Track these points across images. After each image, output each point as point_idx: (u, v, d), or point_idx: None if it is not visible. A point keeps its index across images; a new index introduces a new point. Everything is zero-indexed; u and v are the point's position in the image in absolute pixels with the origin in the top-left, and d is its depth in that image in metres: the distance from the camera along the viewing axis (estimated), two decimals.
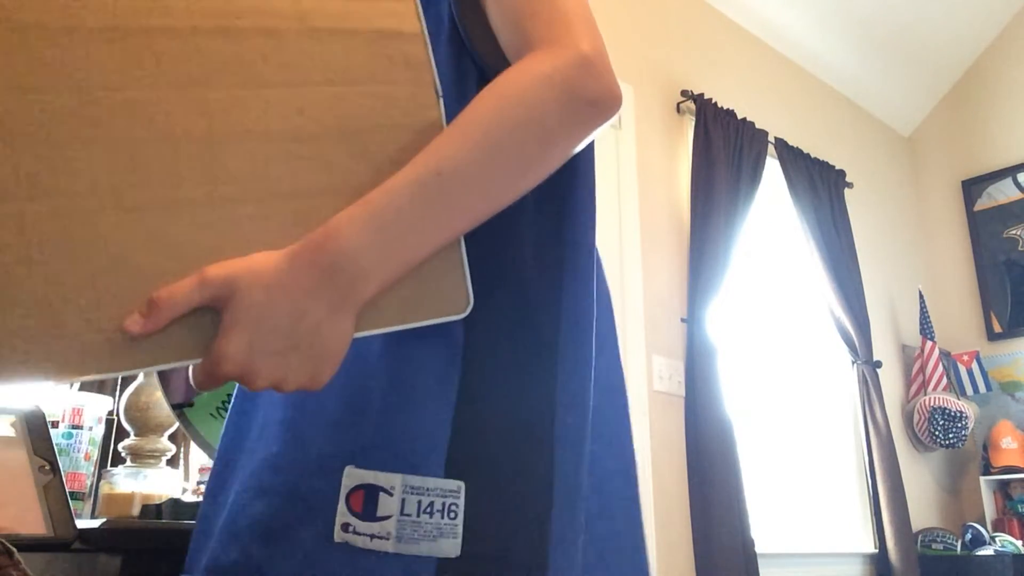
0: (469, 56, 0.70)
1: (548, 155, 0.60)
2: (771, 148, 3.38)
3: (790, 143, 3.50)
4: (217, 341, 0.51)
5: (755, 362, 3.17)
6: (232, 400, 0.72)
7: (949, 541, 3.46)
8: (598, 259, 0.78)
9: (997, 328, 4.07)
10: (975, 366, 3.99)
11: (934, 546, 3.46)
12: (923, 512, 3.65)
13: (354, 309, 0.54)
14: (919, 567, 3.27)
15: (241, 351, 0.51)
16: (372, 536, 0.57)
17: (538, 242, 0.68)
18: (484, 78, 0.67)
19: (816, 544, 3.16)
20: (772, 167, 3.37)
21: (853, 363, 3.48)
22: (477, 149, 0.56)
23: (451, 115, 0.59)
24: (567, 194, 0.70)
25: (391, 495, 0.58)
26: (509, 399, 0.63)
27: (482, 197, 0.57)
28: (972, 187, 4.29)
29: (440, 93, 0.60)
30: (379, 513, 0.58)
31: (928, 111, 4.54)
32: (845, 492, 3.42)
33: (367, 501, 0.58)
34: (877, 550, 3.29)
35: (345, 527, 0.57)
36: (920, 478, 3.74)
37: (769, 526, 2.97)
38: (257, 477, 0.62)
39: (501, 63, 0.65)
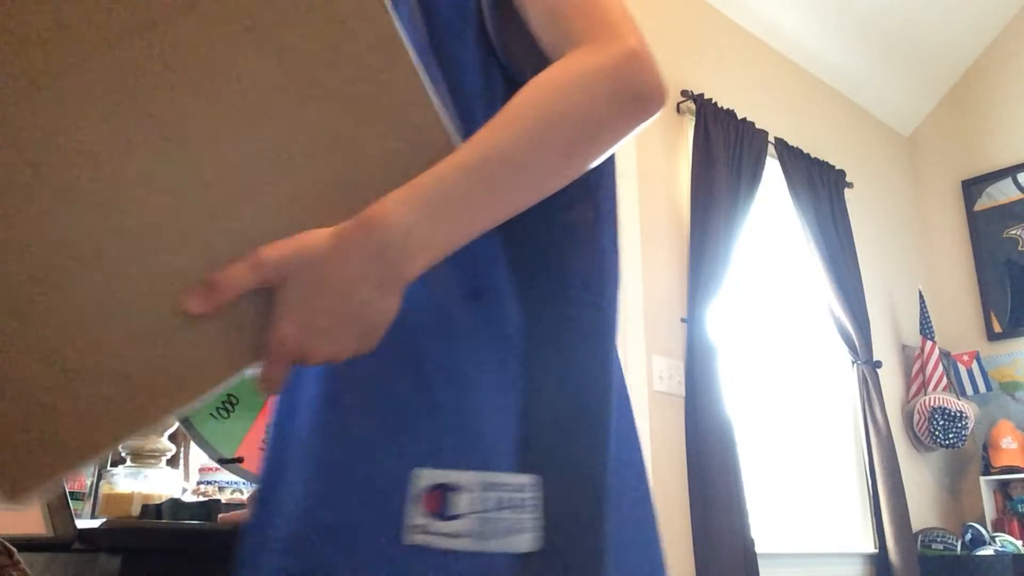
0: (495, 58, 0.69)
1: (593, 147, 0.60)
2: (771, 148, 3.38)
3: (790, 143, 3.50)
4: (272, 327, 0.53)
5: (755, 362, 3.17)
6: (276, 408, 0.71)
7: (949, 541, 3.46)
8: None
9: (997, 328, 4.07)
10: (975, 366, 3.99)
11: (934, 546, 3.46)
12: (923, 512, 3.65)
13: (400, 287, 0.55)
14: (919, 567, 3.27)
15: (295, 333, 0.53)
16: (448, 535, 0.57)
17: (576, 242, 0.69)
18: (510, 81, 0.67)
19: (816, 544, 3.16)
20: (772, 167, 3.37)
21: (853, 363, 3.48)
22: (524, 138, 0.57)
23: (480, 119, 0.60)
24: (598, 197, 0.72)
25: (466, 493, 0.58)
26: (571, 389, 0.64)
27: (527, 184, 0.58)
28: (972, 187, 4.29)
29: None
30: (454, 512, 0.58)
31: (928, 111, 4.54)
32: (845, 492, 3.42)
33: (441, 500, 0.58)
34: (877, 550, 3.29)
35: (420, 528, 0.57)
36: (920, 478, 3.74)
37: (769, 526, 2.97)
38: (320, 484, 0.61)
39: (527, 64, 0.66)
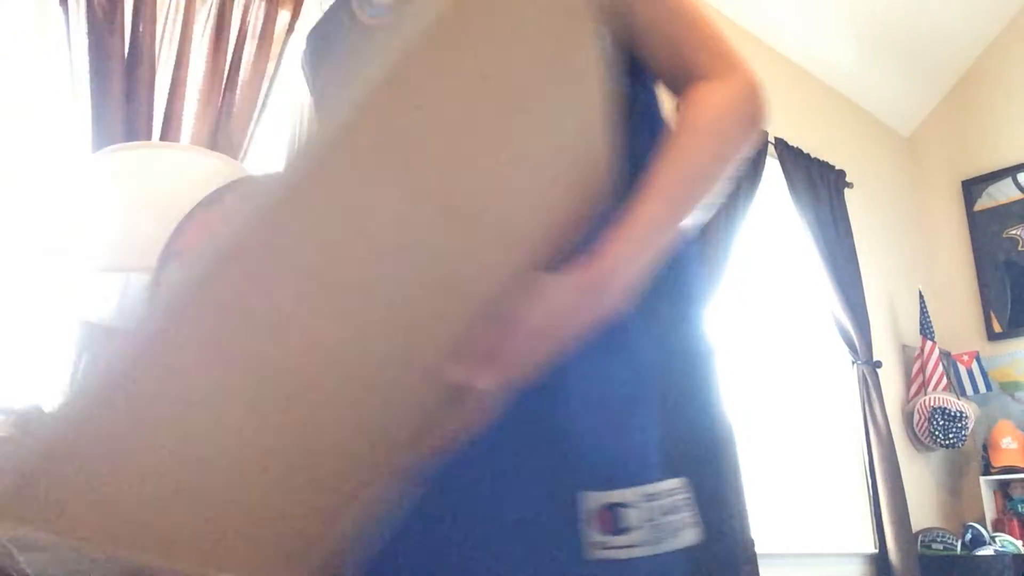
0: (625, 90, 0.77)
1: (728, 173, 0.71)
2: (771, 148, 3.38)
3: (790, 143, 3.50)
4: (498, 362, 0.60)
5: (755, 362, 3.17)
6: None
7: (949, 541, 3.46)
8: None
9: (997, 328, 4.07)
10: (975, 366, 3.98)
11: (934, 546, 3.46)
12: (923, 512, 3.65)
13: None
14: (919, 567, 3.27)
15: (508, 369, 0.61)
16: (626, 547, 0.64)
17: (678, 266, 0.76)
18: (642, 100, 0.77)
19: (816, 544, 3.16)
20: (772, 167, 3.37)
21: (853, 363, 3.48)
22: (693, 184, 0.69)
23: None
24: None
25: (632, 508, 0.64)
26: (691, 394, 0.73)
27: (688, 216, 0.69)
28: (972, 187, 4.29)
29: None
30: (626, 526, 0.64)
31: (928, 111, 4.54)
32: (845, 492, 3.42)
33: (612, 518, 0.64)
34: (877, 550, 3.29)
35: (599, 544, 0.64)
36: (920, 478, 3.74)
37: (769, 526, 2.97)
38: (481, 525, 0.66)
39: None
